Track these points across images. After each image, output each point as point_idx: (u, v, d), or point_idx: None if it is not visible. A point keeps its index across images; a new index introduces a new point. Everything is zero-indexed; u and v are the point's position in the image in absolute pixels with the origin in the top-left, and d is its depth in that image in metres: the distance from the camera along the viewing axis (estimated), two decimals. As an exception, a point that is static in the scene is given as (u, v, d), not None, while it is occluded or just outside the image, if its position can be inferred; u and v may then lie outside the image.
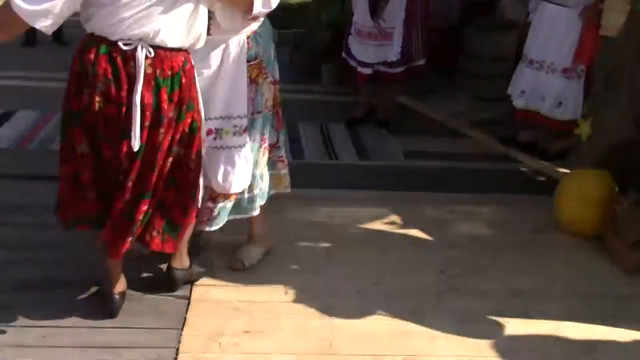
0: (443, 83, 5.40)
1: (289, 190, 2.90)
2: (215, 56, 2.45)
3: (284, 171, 2.85)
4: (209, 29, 2.37)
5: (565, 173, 3.70)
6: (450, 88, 5.33)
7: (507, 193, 3.76)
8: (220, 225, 2.64)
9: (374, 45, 4.32)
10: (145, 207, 2.26)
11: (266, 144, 2.70)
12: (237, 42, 2.45)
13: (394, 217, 3.38)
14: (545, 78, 3.78)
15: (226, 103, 2.51)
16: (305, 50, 5.48)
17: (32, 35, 6.01)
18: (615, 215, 3.07)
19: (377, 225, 3.31)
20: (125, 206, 2.24)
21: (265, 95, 2.62)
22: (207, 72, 2.45)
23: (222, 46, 2.45)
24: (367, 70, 4.36)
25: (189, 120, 2.30)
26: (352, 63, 4.39)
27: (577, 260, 3.09)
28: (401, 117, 4.76)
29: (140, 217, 2.26)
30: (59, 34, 6.12)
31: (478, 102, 5.07)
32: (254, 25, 2.50)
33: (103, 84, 2.14)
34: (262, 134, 2.66)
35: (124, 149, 2.18)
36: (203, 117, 2.40)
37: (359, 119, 4.62)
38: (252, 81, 2.54)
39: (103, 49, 2.14)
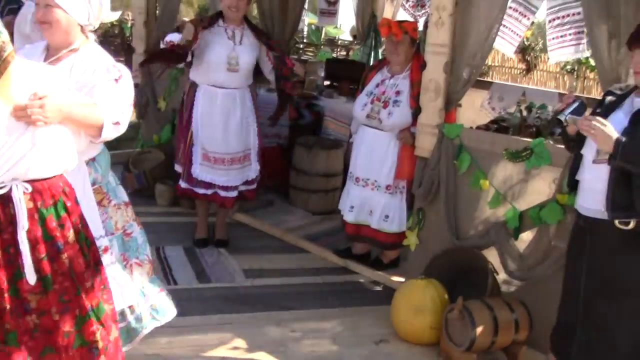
0: (278, 198, 5.58)
1: None
2: None
3: None
4: None
5: (400, 282, 3.91)
6: (285, 203, 5.50)
7: (349, 306, 3.86)
8: None
9: (237, 169, 4.38)
10: None
11: (131, 262, 2.73)
12: (78, 168, 2.41)
13: (238, 341, 3.32)
14: (371, 194, 4.03)
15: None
16: (137, 171, 5.39)
17: None
18: (447, 321, 3.26)
19: (221, 352, 3.22)
20: None
21: (113, 218, 2.68)
22: None
23: None
24: (233, 193, 4.40)
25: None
26: (208, 191, 4.35)
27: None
28: (239, 235, 4.79)
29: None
30: None
31: (312, 216, 5.27)
32: (92, 152, 2.55)
33: None
34: (124, 253, 2.72)
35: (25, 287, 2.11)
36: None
37: (205, 239, 4.59)
38: (98, 204, 2.61)
39: None
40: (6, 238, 2.10)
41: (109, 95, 2.41)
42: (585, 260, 2.56)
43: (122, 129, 2.41)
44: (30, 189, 2.12)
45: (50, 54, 2.54)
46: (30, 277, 2.10)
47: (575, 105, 2.69)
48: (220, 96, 4.26)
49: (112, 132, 2.37)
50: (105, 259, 2.55)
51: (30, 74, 2.15)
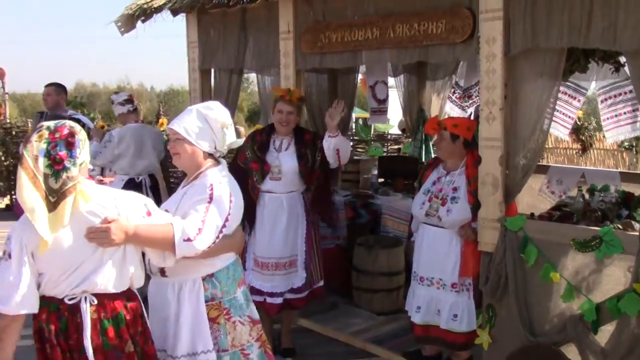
0: (341, 300, 5.51)
1: None
2: (172, 297, 2.73)
3: None
4: (164, 271, 2.70)
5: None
6: (348, 305, 5.42)
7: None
8: None
9: (281, 275, 4.37)
10: None
11: None
12: (192, 283, 2.72)
13: None
14: (438, 294, 3.93)
15: (191, 341, 2.71)
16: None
17: None
18: None
19: None
20: None
21: (230, 334, 2.79)
22: (168, 312, 2.72)
23: (177, 287, 2.74)
24: (278, 300, 4.37)
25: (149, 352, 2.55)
26: (258, 298, 4.29)
27: None
28: (305, 342, 4.71)
29: None
30: None
31: (377, 317, 5.16)
32: (207, 269, 2.76)
33: (56, 338, 2.39)
34: None
35: None
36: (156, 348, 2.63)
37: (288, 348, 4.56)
38: (212, 320, 2.75)
39: (52, 307, 2.41)
40: (71, 344, 2.39)
41: (193, 213, 2.63)
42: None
43: (197, 246, 2.57)
44: (96, 301, 2.42)
45: (187, 177, 2.93)
46: None
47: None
48: (267, 200, 4.37)
49: (185, 249, 2.55)
50: None
51: (103, 200, 2.44)
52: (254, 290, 4.27)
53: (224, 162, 2.98)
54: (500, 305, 3.65)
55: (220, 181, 2.77)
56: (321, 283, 4.59)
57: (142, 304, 2.63)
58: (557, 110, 6.19)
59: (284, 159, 4.37)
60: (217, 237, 2.67)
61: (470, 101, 7.78)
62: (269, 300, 4.34)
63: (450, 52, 3.97)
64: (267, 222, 4.34)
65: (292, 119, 4.41)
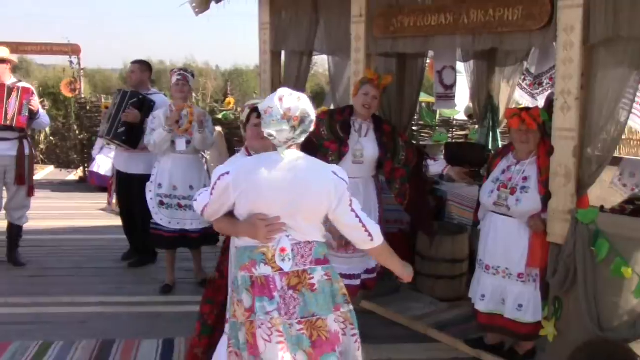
0: (403, 284, 5.53)
1: None
2: None
3: None
4: None
5: (537, 375, 3.72)
6: (411, 290, 5.45)
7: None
8: None
9: (359, 257, 4.43)
10: None
11: None
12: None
13: None
14: (503, 283, 3.91)
15: None
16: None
17: None
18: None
19: None
20: None
21: (232, 308, 2.97)
22: None
23: None
24: (356, 282, 4.45)
25: None
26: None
27: None
28: (366, 323, 4.76)
29: None
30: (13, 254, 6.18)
31: (439, 303, 5.17)
32: (236, 242, 2.92)
33: None
34: None
35: None
36: None
37: None
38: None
39: None
40: None
41: None
42: None
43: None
44: None
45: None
46: None
47: None
48: None
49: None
50: None
51: None
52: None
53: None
54: (568, 298, 3.61)
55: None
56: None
57: None
58: (635, 102, 6.00)
59: (366, 144, 4.42)
60: (202, 209, 2.82)
61: (541, 89, 7.59)
62: (347, 282, 4.40)
63: (526, 40, 3.91)
64: None
65: (375, 104, 4.46)
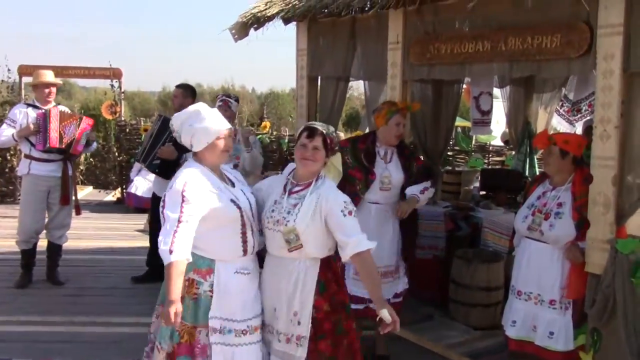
0: (437, 311, 5.48)
1: None
2: None
3: None
4: None
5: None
6: (445, 317, 5.39)
7: None
8: None
9: (389, 282, 4.43)
10: None
11: None
12: None
13: None
14: (535, 309, 3.85)
15: None
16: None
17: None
18: None
19: None
20: None
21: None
22: None
23: None
24: None
25: None
26: (359, 306, 4.31)
27: None
28: (399, 350, 4.73)
29: None
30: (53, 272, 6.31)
31: (473, 332, 5.10)
32: None
33: None
34: None
35: None
36: None
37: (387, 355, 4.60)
38: None
39: None
40: None
41: None
42: None
43: None
44: None
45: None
46: None
47: None
48: (374, 211, 4.43)
49: None
50: None
51: None
52: (355, 299, 4.20)
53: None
54: (607, 329, 3.53)
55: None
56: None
57: None
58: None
59: (393, 170, 4.43)
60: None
61: (579, 115, 7.52)
62: (372, 306, 4.38)
63: (565, 67, 3.89)
64: (374, 232, 4.37)
65: (404, 134, 4.56)
